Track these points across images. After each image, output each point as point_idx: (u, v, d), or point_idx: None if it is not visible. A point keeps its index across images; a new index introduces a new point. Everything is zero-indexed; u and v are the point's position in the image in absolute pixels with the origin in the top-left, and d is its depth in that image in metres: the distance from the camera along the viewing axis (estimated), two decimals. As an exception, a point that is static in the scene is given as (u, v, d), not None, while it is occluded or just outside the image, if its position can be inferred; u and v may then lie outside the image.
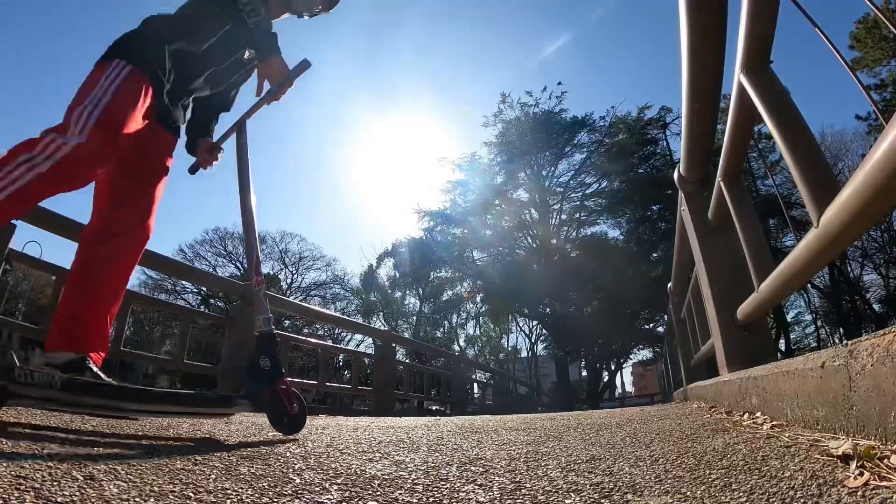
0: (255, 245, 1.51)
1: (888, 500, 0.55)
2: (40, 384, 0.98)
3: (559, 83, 19.47)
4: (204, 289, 21.46)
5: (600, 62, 46.83)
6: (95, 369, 1.37)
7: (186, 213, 46.65)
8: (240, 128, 1.62)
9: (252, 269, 1.49)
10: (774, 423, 1.13)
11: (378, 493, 0.76)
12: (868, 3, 0.88)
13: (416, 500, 0.73)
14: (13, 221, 2.73)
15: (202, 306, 21.70)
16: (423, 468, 0.96)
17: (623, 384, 29.87)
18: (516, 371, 24.77)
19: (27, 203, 1.15)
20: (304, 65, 1.55)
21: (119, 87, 1.28)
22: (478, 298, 22.02)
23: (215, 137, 1.74)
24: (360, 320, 21.05)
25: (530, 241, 19.83)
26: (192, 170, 1.72)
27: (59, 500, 0.59)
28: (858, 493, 0.59)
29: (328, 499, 0.72)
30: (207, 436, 1.24)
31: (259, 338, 1.39)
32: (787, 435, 0.97)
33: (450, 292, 22.65)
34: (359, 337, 21.24)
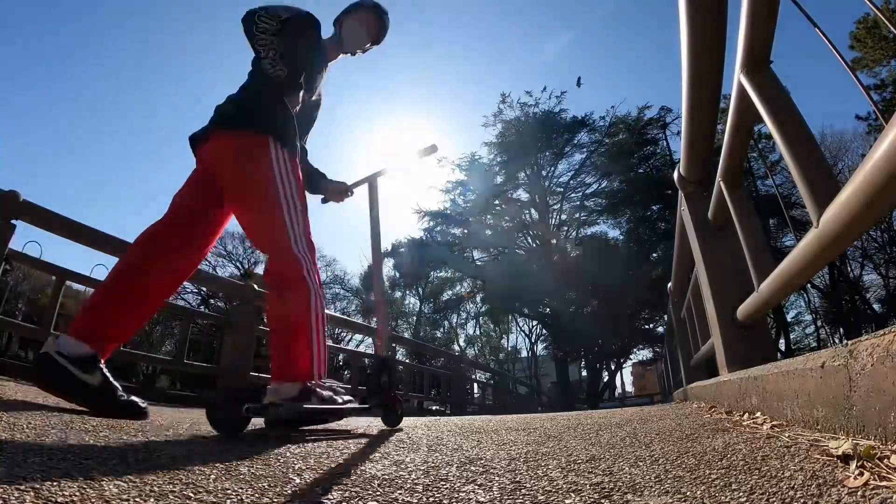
0: (384, 293, 2.05)
1: (888, 500, 0.55)
2: (277, 416, 1.42)
3: (579, 79, 19.30)
4: (204, 289, 21.45)
5: (600, 62, 46.87)
6: (105, 370, 1.40)
7: (186, 213, 46.55)
8: (372, 182, 1.95)
9: (381, 312, 2.02)
10: (774, 423, 1.13)
11: (378, 493, 0.76)
12: (868, 3, 0.88)
13: (416, 500, 0.73)
14: (13, 221, 2.74)
15: (202, 306, 21.70)
16: (423, 468, 0.96)
17: (623, 384, 29.88)
18: (516, 371, 24.76)
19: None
20: (432, 149, 1.90)
21: (295, 179, 1.52)
22: (478, 298, 22.01)
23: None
24: (360, 320, 21.04)
25: (530, 241, 19.83)
26: (325, 201, 2.01)
27: (59, 500, 0.59)
28: (858, 493, 0.59)
29: (328, 499, 0.72)
30: (207, 436, 1.24)
31: (383, 361, 1.83)
32: (787, 435, 0.97)
33: (450, 292, 22.65)
34: (359, 337, 21.24)
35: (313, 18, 1.64)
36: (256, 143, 1.47)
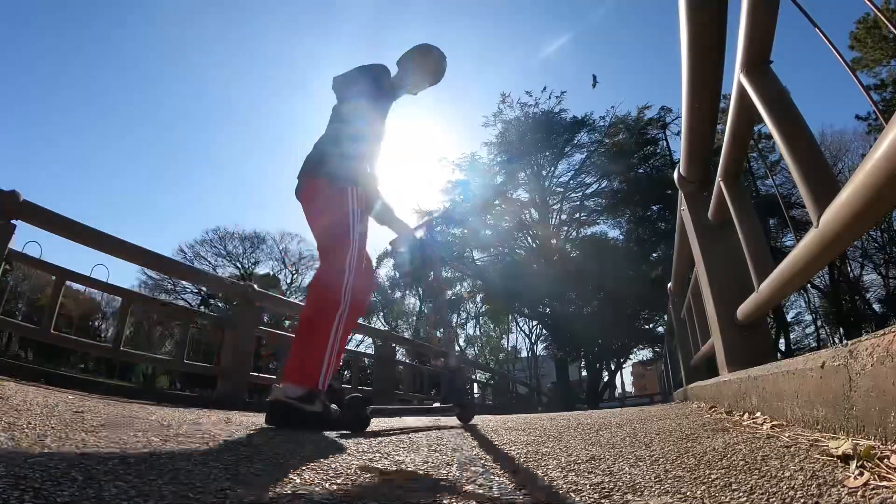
0: (446, 313, 2.81)
1: (888, 500, 0.55)
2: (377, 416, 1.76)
3: (594, 76, 19.22)
4: (204, 289, 21.46)
5: (601, 62, 46.82)
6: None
7: (186, 213, 46.70)
8: (429, 225, 2.45)
9: (450, 336, 2.58)
10: (774, 423, 1.13)
11: (378, 492, 0.76)
12: (868, 3, 0.88)
13: (416, 500, 0.73)
14: (13, 221, 2.73)
15: (202, 306, 21.69)
16: (423, 468, 0.96)
17: (623, 384, 29.82)
18: (516, 371, 24.75)
19: (343, 352, 1.84)
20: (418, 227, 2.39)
21: (363, 217, 1.83)
22: (478, 298, 22.00)
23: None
24: (360, 320, 20.95)
25: (530, 241, 19.83)
26: (392, 244, 2.31)
27: (58, 500, 0.59)
28: (858, 493, 0.59)
29: (328, 499, 0.72)
30: (207, 436, 1.24)
31: (456, 370, 2.44)
32: (787, 435, 0.97)
33: (450, 292, 22.63)
34: (359, 337, 21.22)
35: (385, 70, 1.98)
36: (339, 191, 1.79)
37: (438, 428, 1.88)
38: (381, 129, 1.99)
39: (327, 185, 1.80)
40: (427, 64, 2.07)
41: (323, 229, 1.82)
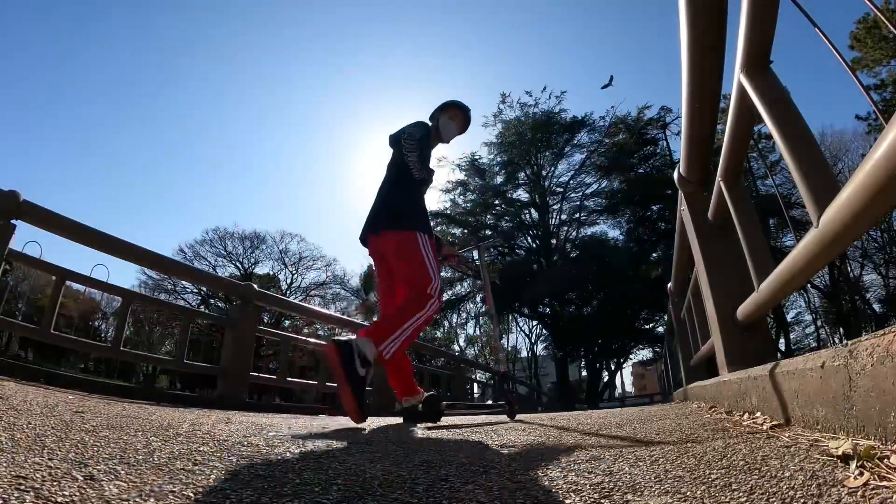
0: (497, 326, 3.25)
1: (888, 501, 0.55)
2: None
3: (611, 77, 19.30)
4: (204, 289, 21.45)
5: (601, 62, 46.84)
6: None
7: (186, 213, 46.71)
8: (479, 249, 3.04)
9: (497, 345, 3.24)
10: (774, 423, 1.13)
11: (378, 492, 0.76)
12: (868, 3, 0.88)
13: (416, 501, 0.73)
14: (13, 221, 2.73)
15: (202, 306, 21.68)
16: (423, 468, 0.96)
17: (623, 384, 29.81)
18: (516, 371, 24.74)
19: (411, 341, 2.07)
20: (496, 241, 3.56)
21: (433, 252, 2.20)
22: (478, 298, 22.00)
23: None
24: (361, 320, 20.99)
25: (530, 241, 19.84)
26: (442, 260, 2.65)
27: (59, 500, 0.59)
28: (858, 493, 0.59)
29: (328, 499, 0.72)
30: (207, 436, 1.24)
31: (503, 375, 3.12)
32: (787, 435, 0.97)
33: (450, 292, 22.63)
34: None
35: (428, 127, 2.37)
36: (412, 237, 2.17)
37: (478, 425, 2.07)
38: (430, 177, 2.37)
39: (399, 235, 2.17)
40: (455, 117, 2.51)
41: (407, 273, 2.16)
